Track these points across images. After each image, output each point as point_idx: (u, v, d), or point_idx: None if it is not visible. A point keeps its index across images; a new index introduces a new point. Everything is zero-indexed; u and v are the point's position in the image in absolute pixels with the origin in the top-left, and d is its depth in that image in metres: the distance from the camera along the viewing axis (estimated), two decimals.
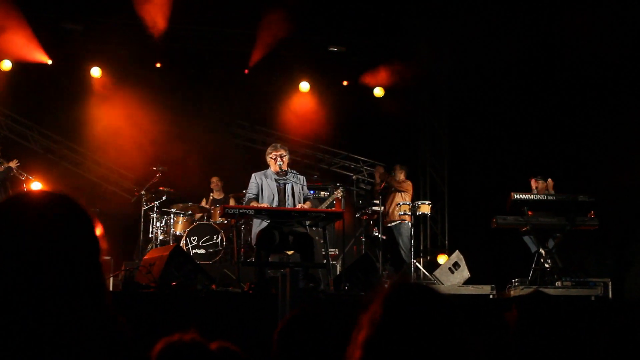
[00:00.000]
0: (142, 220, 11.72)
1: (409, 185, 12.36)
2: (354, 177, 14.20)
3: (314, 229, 9.85)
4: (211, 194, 13.09)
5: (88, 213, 1.82)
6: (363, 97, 14.43)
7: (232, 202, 12.59)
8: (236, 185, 12.84)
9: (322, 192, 12.05)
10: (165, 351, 2.18)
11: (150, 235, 11.83)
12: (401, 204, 11.82)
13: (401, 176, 12.46)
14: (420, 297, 2.03)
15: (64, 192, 1.84)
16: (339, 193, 10.73)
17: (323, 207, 10.94)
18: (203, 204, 12.94)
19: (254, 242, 8.65)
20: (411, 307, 1.99)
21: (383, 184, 12.19)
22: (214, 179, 12.96)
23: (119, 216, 12.59)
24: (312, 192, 10.31)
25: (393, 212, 12.20)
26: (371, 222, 12.52)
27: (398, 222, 12.05)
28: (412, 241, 11.69)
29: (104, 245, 1.81)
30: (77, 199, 1.80)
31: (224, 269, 10.29)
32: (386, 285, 2.10)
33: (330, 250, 9.93)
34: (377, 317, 2.02)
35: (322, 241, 9.54)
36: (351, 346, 2.04)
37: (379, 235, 11.65)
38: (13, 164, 11.86)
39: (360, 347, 2.01)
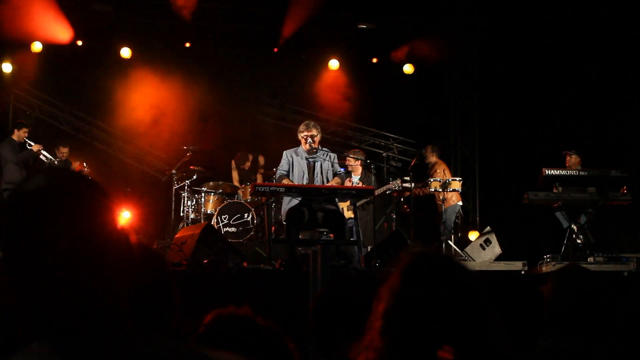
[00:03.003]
0: (174, 199, 11.70)
1: (440, 166, 12.25)
2: (384, 154, 14.22)
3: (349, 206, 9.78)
4: (239, 167, 12.99)
5: (101, 194, 1.60)
6: (393, 74, 14.28)
7: (259, 179, 12.70)
8: (268, 163, 12.92)
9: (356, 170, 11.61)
10: (218, 321, 2.22)
11: (181, 214, 11.83)
12: (431, 180, 11.64)
13: (432, 158, 12.36)
14: (437, 266, 2.04)
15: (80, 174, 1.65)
16: (395, 184, 10.80)
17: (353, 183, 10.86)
18: (235, 179, 12.87)
19: (284, 219, 8.73)
20: (428, 276, 2.00)
21: (414, 161, 12.00)
22: (239, 155, 12.93)
23: (150, 195, 12.76)
24: (342, 169, 10.07)
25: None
26: (402, 199, 12.42)
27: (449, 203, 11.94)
28: (457, 220, 11.64)
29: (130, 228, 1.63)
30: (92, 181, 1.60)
31: (255, 247, 10.24)
32: (404, 256, 2.13)
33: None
34: (395, 287, 2.04)
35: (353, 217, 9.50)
36: (372, 316, 2.05)
37: (411, 211, 11.50)
38: (35, 148, 11.96)
39: (380, 317, 2.02)
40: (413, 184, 10.96)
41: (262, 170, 12.96)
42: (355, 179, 11.07)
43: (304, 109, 14.46)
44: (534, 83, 12.93)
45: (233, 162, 12.93)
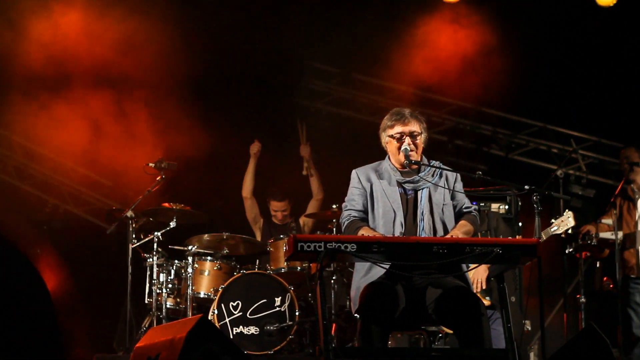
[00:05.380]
0: (130, 268, 9.13)
1: None
2: (559, 172, 10.44)
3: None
4: (264, 219, 10.52)
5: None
6: (572, 10, 10.90)
7: (306, 229, 10.40)
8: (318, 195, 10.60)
9: (493, 204, 9.17)
10: None
11: (147, 300, 9.26)
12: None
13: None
14: None
15: None
16: (565, 222, 8.01)
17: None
18: (255, 227, 10.51)
19: (355, 308, 6.36)
20: None
21: (621, 184, 9.39)
22: (282, 205, 10.18)
23: (85, 262, 10.57)
24: (474, 203, 7.10)
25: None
26: (598, 265, 9.80)
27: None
28: None
29: None
30: None
31: None
32: None
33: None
34: None
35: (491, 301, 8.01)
36: None
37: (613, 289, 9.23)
38: None
39: None
40: (620, 233, 8.93)
41: (314, 204, 10.39)
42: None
43: (392, 83, 11.71)
44: None
45: (274, 205, 10.31)
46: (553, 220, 8.19)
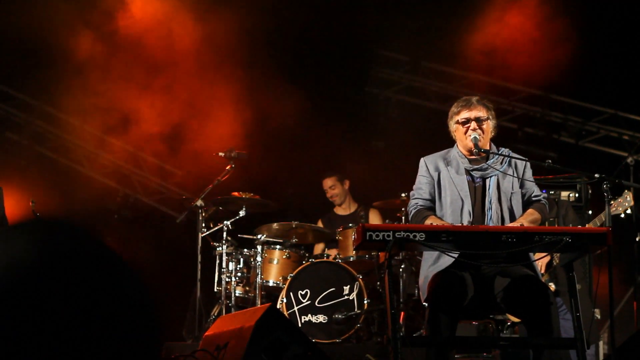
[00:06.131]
0: (200, 257, 9.13)
1: None
2: (629, 159, 10.83)
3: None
4: (330, 211, 10.40)
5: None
6: None
7: (376, 219, 10.12)
8: (383, 186, 10.32)
9: (563, 192, 8.87)
10: None
11: (216, 288, 9.29)
12: None
13: None
14: None
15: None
16: (623, 202, 7.87)
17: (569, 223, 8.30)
18: (320, 224, 10.25)
19: (423, 296, 6.36)
20: None
21: None
22: (329, 181, 10.09)
23: (154, 250, 10.54)
24: (544, 191, 7.24)
25: None
26: None
27: None
28: None
29: None
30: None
31: (366, 353, 8.24)
32: None
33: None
34: None
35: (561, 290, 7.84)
36: None
37: None
38: None
39: None
40: None
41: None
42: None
43: (460, 70, 11.68)
44: None
45: (324, 184, 10.25)
46: (612, 202, 7.92)
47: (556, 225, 8.31)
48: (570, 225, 8.17)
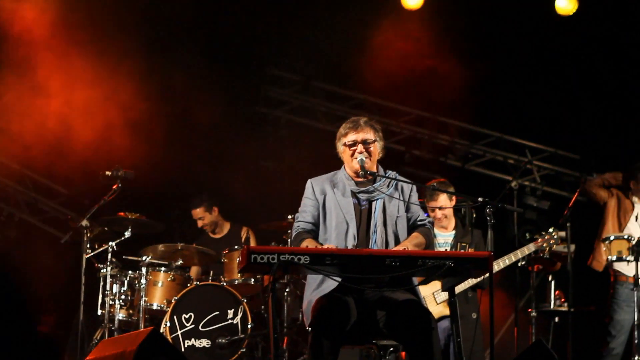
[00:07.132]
0: (84, 279, 8.80)
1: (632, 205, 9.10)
2: (513, 183, 10.84)
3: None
4: (203, 234, 10.36)
5: None
6: (533, 19, 10.87)
7: (251, 242, 10.02)
8: (270, 206, 10.42)
9: None
10: None
11: (99, 311, 9.12)
12: (611, 238, 8.52)
13: (602, 193, 9.35)
14: None
15: None
16: (542, 243, 7.98)
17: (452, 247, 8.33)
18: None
19: (307, 321, 6.23)
20: None
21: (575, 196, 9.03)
22: (198, 212, 10.09)
23: (36, 273, 10.30)
24: (426, 214, 7.56)
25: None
26: (550, 278, 9.57)
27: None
28: None
29: None
30: None
31: None
32: None
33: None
34: None
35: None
36: None
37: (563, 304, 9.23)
38: None
39: None
40: (573, 246, 8.76)
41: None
42: (445, 236, 8.43)
43: (350, 91, 11.84)
44: None
45: (193, 215, 10.14)
46: (538, 238, 8.12)
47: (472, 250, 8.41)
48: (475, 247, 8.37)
